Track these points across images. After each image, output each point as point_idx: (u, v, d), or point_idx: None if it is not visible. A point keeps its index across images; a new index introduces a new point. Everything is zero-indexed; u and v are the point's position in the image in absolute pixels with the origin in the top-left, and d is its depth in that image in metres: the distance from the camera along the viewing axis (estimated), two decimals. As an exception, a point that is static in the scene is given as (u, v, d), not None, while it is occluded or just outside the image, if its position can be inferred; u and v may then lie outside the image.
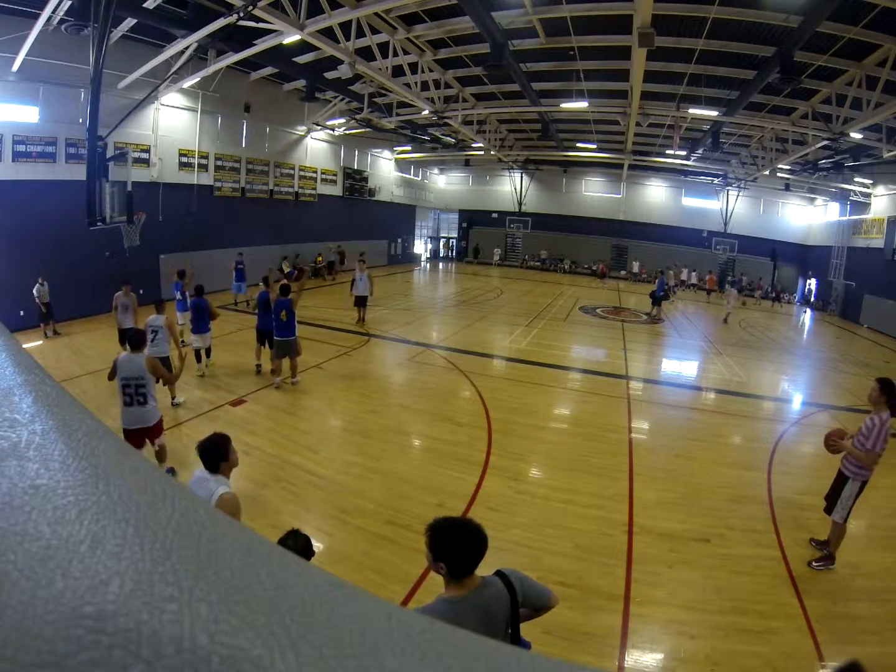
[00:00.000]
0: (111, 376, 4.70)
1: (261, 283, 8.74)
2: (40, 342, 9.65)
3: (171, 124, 13.88)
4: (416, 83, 13.23)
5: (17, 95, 10.43)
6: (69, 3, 8.57)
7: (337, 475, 5.18)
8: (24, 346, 0.51)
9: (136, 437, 4.67)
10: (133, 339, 4.75)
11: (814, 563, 4.20)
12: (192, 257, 14.47)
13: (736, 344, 13.57)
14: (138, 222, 9.16)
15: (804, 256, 24.65)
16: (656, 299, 16.27)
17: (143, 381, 4.57)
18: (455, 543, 1.82)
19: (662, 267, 23.67)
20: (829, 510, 4.31)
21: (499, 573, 1.95)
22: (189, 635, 0.20)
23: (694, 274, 25.89)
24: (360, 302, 12.16)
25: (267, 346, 8.07)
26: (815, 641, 3.35)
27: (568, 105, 14.91)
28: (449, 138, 20.93)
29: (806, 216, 25.02)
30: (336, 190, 21.59)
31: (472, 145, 21.72)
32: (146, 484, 0.29)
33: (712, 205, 26.32)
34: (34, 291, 10.16)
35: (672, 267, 23.96)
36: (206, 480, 2.79)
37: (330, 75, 14.01)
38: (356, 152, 22.64)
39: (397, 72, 12.85)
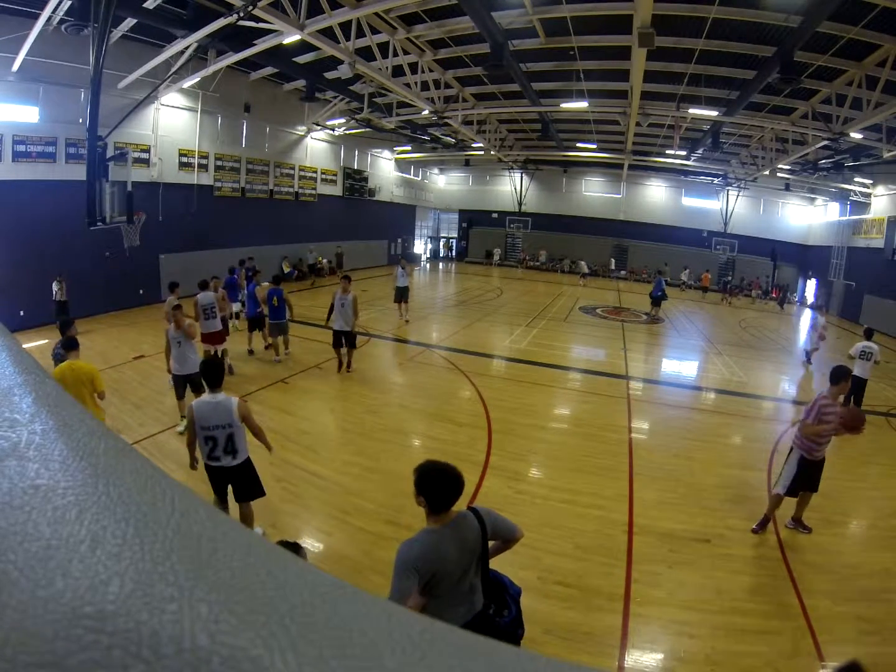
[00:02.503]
0: (196, 315, 7.41)
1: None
2: (43, 342, 9.64)
3: (171, 124, 13.87)
4: (416, 83, 13.23)
5: (17, 95, 10.42)
6: (69, 3, 8.57)
7: (337, 475, 5.18)
8: (26, 345, 0.51)
9: (210, 338, 7.69)
10: (204, 282, 7.82)
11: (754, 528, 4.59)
12: (193, 257, 14.54)
13: (736, 344, 13.57)
14: (138, 222, 9.17)
15: (804, 256, 24.67)
16: (655, 299, 16.25)
17: (214, 305, 7.66)
18: (436, 484, 2.16)
19: (659, 267, 23.84)
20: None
21: (471, 509, 2.31)
22: (189, 635, 0.20)
23: (688, 273, 25.91)
24: (344, 340, 8.23)
25: (256, 329, 9.56)
26: (815, 641, 3.35)
27: (568, 105, 14.91)
28: (449, 138, 20.93)
29: (806, 216, 25.02)
30: (336, 190, 21.59)
31: (472, 145, 21.72)
32: (146, 484, 0.29)
33: (712, 205, 26.32)
34: (53, 287, 10.31)
35: (663, 267, 24.00)
36: (216, 400, 3.63)
37: (330, 75, 14.01)
38: (356, 152, 22.64)
39: (397, 72, 12.84)
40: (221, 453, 3.62)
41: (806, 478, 4.49)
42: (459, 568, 2.19)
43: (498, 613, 2.39)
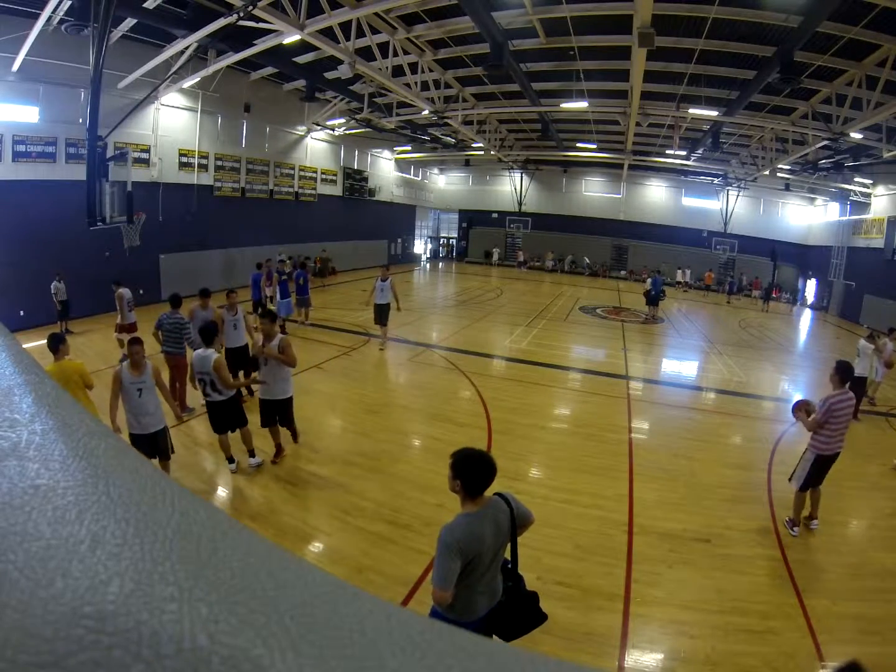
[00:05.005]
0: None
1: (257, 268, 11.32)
2: (42, 342, 9.64)
3: (171, 124, 13.87)
4: (416, 83, 13.23)
5: (17, 95, 10.42)
6: (69, 3, 8.56)
7: (337, 475, 5.18)
8: (26, 345, 0.51)
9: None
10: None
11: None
12: (193, 257, 14.56)
13: (736, 344, 13.57)
14: (138, 222, 9.17)
15: (804, 256, 24.67)
16: (652, 299, 16.20)
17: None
18: (474, 468, 2.30)
19: (657, 267, 23.76)
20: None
21: (498, 494, 2.45)
22: (189, 635, 0.20)
23: (688, 272, 25.97)
24: (276, 412, 5.28)
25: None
26: (815, 641, 3.35)
27: (568, 105, 14.91)
28: (449, 138, 20.93)
29: (806, 216, 25.02)
30: (336, 190, 21.59)
31: (472, 145, 21.72)
32: (146, 484, 0.29)
33: (712, 205, 26.32)
34: (51, 288, 10.22)
35: (661, 267, 23.94)
36: (205, 354, 4.79)
37: (330, 75, 14.02)
38: (356, 152, 22.64)
39: (397, 72, 12.85)
40: (210, 391, 4.88)
41: (818, 475, 4.64)
42: (492, 551, 2.30)
43: (516, 585, 2.53)
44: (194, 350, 5.79)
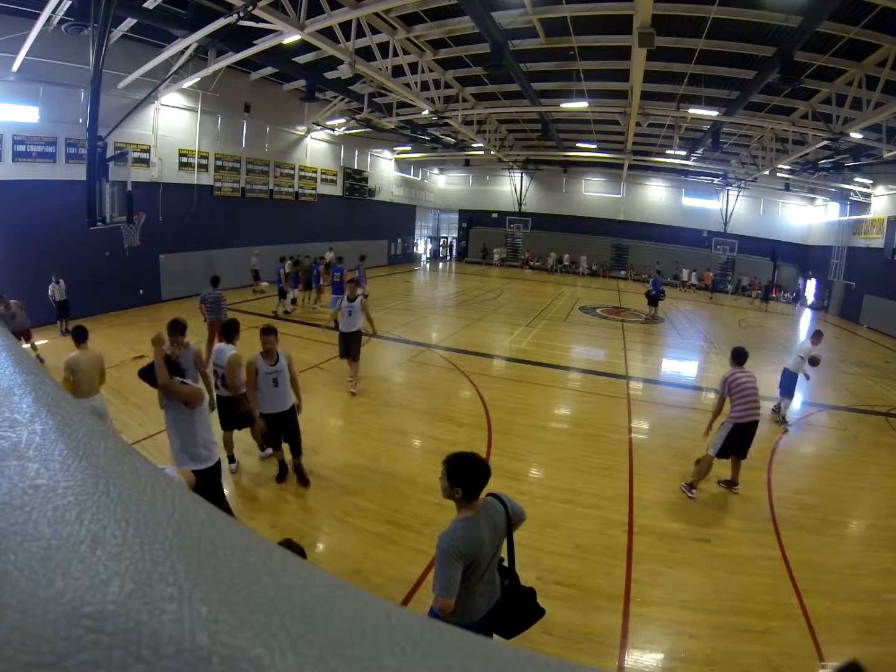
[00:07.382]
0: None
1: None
2: (43, 342, 9.64)
3: (171, 124, 13.87)
4: (416, 83, 13.22)
5: (17, 95, 10.42)
6: (69, 3, 8.56)
7: (337, 475, 5.18)
8: (25, 345, 0.51)
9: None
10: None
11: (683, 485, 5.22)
12: (192, 257, 14.55)
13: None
14: (138, 222, 9.15)
15: (804, 256, 24.66)
16: (652, 298, 16.19)
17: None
18: (468, 472, 2.29)
19: (652, 267, 23.69)
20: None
21: (491, 494, 2.47)
22: (189, 635, 0.20)
23: (686, 271, 26.10)
24: (204, 490, 3.18)
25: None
26: (815, 641, 3.35)
27: (568, 105, 14.90)
28: (449, 138, 20.92)
29: (806, 216, 25.02)
30: (336, 190, 21.58)
31: (472, 145, 21.71)
32: (146, 484, 0.29)
33: (712, 205, 26.32)
34: (49, 289, 10.20)
35: (656, 267, 23.89)
36: (224, 349, 4.76)
37: (330, 75, 14.02)
38: (356, 152, 22.63)
39: (397, 72, 12.84)
40: (220, 385, 4.85)
41: (736, 443, 5.13)
42: (490, 552, 2.30)
43: (513, 583, 2.52)
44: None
